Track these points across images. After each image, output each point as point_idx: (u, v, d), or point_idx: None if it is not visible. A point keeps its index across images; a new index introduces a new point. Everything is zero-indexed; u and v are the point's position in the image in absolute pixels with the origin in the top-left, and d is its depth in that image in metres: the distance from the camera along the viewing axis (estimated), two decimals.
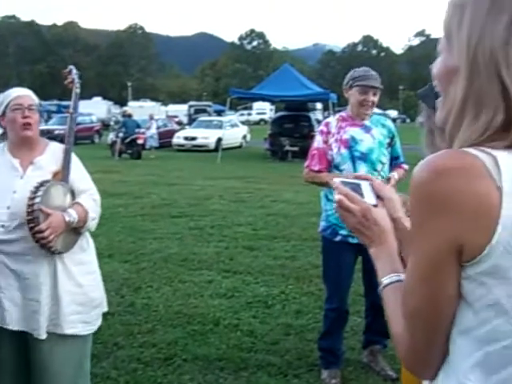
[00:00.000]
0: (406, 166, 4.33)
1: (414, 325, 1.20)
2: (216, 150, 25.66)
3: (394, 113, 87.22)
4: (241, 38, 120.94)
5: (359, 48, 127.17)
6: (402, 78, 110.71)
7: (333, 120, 4.21)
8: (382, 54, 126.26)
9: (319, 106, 39.30)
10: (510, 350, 1.12)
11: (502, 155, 1.09)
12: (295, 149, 24.15)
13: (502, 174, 1.07)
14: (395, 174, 4.15)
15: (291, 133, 24.59)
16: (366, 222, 1.41)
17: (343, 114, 4.22)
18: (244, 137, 32.95)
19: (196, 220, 10.08)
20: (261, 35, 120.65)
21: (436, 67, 1.26)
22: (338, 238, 4.09)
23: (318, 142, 4.17)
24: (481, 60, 1.13)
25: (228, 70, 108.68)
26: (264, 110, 67.66)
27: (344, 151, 4.06)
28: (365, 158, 4.08)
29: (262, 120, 65.76)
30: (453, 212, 1.08)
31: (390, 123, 4.29)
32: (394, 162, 4.30)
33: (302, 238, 8.73)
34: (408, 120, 69.82)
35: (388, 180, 4.01)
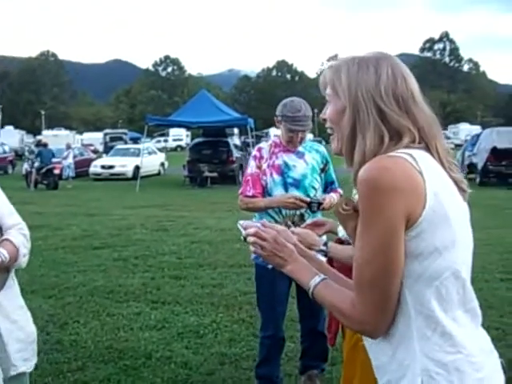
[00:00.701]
0: (340, 191, 4.38)
1: (371, 292, 1.55)
2: (134, 178, 25.43)
3: (309, 136, 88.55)
4: (155, 65, 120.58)
5: (274, 73, 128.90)
6: (317, 102, 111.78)
7: (265, 145, 4.22)
8: (297, 78, 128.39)
9: (236, 130, 39.54)
10: (449, 278, 1.57)
11: (413, 151, 1.58)
12: (214, 175, 24.25)
13: (418, 162, 1.56)
14: (334, 196, 4.17)
15: (210, 159, 24.68)
16: (278, 246, 1.81)
17: (276, 140, 4.25)
18: (162, 164, 32.72)
19: (119, 251, 9.90)
20: (175, 61, 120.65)
21: (328, 112, 1.75)
22: (271, 265, 4.09)
23: (251, 167, 4.17)
24: (361, 98, 1.63)
25: (143, 96, 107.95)
26: (180, 137, 67.50)
27: (276, 177, 4.08)
28: (297, 184, 4.10)
29: (178, 146, 65.52)
30: (400, 193, 1.51)
31: (323, 149, 4.30)
32: (330, 187, 4.34)
33: (228, 265, 8.72)
34: (323, 143, 71.23)
35: (322, 200, 4.02)
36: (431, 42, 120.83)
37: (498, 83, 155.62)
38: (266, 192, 4.12)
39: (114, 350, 5.27)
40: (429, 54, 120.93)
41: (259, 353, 4.34)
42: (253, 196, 4.10)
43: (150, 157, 29.84)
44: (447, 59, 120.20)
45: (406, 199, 1.51)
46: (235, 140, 33.35)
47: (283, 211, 4.05)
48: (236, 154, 25.78)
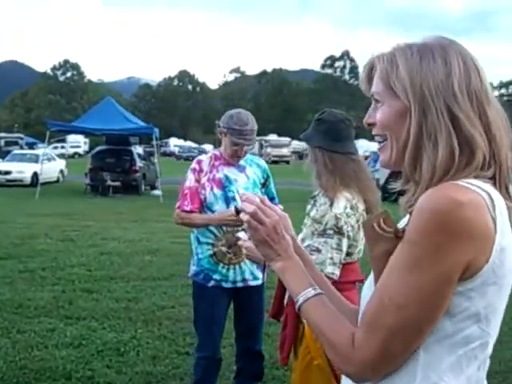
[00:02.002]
0: (281, 207, 4.30)
1: (386, 340, 1.25)
2: (32, 184, 24.50)
3: (209, 147, 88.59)
4: (54, 69, 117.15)
5: (175, 82, 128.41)
6: (218, 113, 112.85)
7: (205, 158, 4.08)
8: (198, 88, 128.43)
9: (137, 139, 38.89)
10: (476, 350, 1.29)
11: (492, 191, 1.27)
12: (117, 184, 23.72)
13: (495, 207, 1.25)
14: None
15: (113, 167, 24.13)
16: (275, 236, 1.47)
17: (216, 152, 4.11)
18: (61, 171, 31.69)
19: (24, 262, 9.38)
20: (75, 66, 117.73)
21: (379, 115, 1.39)
22: (211, 284, 3.96)
23: (189, 180, 4.00)
24: (428, 96, 1.30)
25: (40, 100, 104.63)
26: (79, 144, 65.82)
27: (217, 191, 3.93)
28: None
29: (76, 153, 63.83)
30: (470, 238, 1.21)
31: (264, 163, 4.23)
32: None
33: (141, 278, 8.49)
34: None
35: None
36: (332, 60, 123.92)
37: None
38: (205, 206, 3.97)
39: (29, 371, 4.94)
40: (329, 71, 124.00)
41: (194, 373, 4.14)
42: (190, 211, 3.95)
43: (49, 163, 28.79)
44: (347, 77, 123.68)
45: (473, 248, 1.22)
46: (138, 149, 32.81)
47: (224, 227, 3.91)
48: (139, 163, 25.33)
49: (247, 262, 3.97)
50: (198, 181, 3.97)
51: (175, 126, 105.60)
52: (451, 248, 1.21)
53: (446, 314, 1.26)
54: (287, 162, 58.69)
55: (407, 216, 1.38)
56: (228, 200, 3.92)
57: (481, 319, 1.28)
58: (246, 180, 4.03)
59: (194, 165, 4.04)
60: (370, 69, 1.46)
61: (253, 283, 4.05)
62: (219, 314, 4.02)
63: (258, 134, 4.06)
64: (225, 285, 3.96)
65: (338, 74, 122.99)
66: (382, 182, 23.32)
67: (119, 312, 6.71)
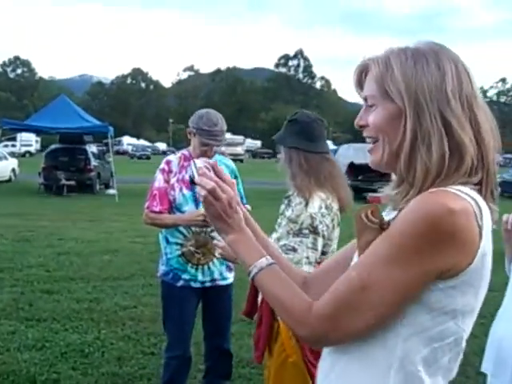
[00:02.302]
0: (249, 207, 4.32)
1: (344, 315, 1.32)
2: None
3: (163, 145, 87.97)
4: (4, 65, 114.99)
5: (128, 80, 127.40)
6: (171, 111, 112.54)
7: (174, 158, 4.05)
8: (152, 86, 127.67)
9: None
10: (450, 344, 1.37)
11: (478, 198, 1.33)
12: (71, 183, 23.39)
13: (483, 214, 1.31)
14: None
15: (67, 166, 23.79)
16: (229, 210, 1.52)
17: (185, 152, 4.08)
18: (13, 170, 31.09)
19: None
20: (26, 63, 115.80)
21: (373, 117, 1.42)
22: (180, 283, 3.96)
23: (158, 181, 3.98)
24: (422, 101, 1.34)
25: None
26: (30, 142, 64.57)
27: (187, 192, 3.92)
28: None
29: (27, 152, 62.65)
30: (457, 243, 1.27)
31: (232, 163, 4.23)
32: None
33: (101, 278, 8.40)
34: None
35: None
36: (286, 58, 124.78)
37: (347, 101, 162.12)
38: (174, 207, 3.96)
39: None
40: (283, 70, 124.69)
41: (164, 373, 4.12)
42: (159, 212, 3.93)
43: (0, 162, 28.29)
44: (301, 75, 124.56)
45: (460, 252, 1.28)
46: (92, 147, 32.45)
47: (193, 227, 3.91)
48: (94, 162, 25.03)
49: (216, 262, 3.99)
50: (167, 181, 3.95)
51: (128, 124, 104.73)
52: (436, 252, 1.27)
53: (424, 309, 1.33)
54: (241, 161, 58.75)
55: (394, 212, 1.42)
56: (197, 200, 3.91)
57: (457, 316, 1.35)
58: None
59: (162, 165, 4.01)
60: (361, 72, 1.49)
61: (221, 283, 4.07)
62: (188, 314, 4.02)
63: None
64: (194, 285, 3.96)
65: (292, 72, 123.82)
66: None
67: (81, 313, 6.63)
